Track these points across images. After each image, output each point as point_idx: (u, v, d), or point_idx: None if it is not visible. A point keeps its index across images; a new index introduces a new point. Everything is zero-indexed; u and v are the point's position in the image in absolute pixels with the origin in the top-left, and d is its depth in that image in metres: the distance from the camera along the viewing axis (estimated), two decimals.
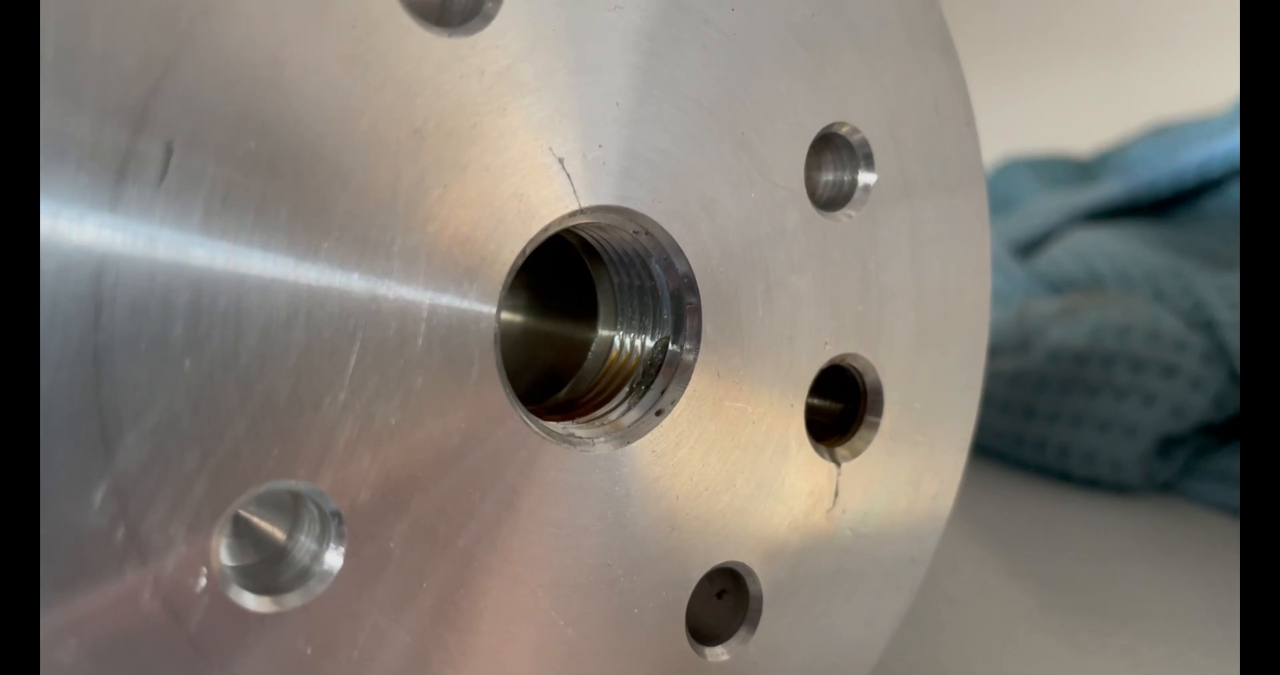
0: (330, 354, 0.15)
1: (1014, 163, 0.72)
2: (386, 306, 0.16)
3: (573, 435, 0.19)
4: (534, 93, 0.17)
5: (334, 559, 0.16)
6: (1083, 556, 0.40)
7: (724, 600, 0.21)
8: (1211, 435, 0.45)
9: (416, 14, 0.15)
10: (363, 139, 0.15)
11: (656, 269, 0.20)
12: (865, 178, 0.21)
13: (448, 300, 0.16)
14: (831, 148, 0.21)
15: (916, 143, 0.22)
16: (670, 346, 0.20)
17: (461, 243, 0.16)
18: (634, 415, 0.19)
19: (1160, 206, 0.56)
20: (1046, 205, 0.60)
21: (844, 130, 0.21)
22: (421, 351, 0.16)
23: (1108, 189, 0.58)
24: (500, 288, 0.17)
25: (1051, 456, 0.46)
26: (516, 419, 0.17)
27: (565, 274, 0.23)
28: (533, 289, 0.25)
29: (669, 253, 0.19)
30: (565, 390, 0.22)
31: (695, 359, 0.19)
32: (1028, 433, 0.46)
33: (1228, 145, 0.53)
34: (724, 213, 0.19)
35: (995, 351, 0.51)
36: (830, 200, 0.21)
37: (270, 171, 0.14)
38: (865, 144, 0.21)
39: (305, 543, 0.16)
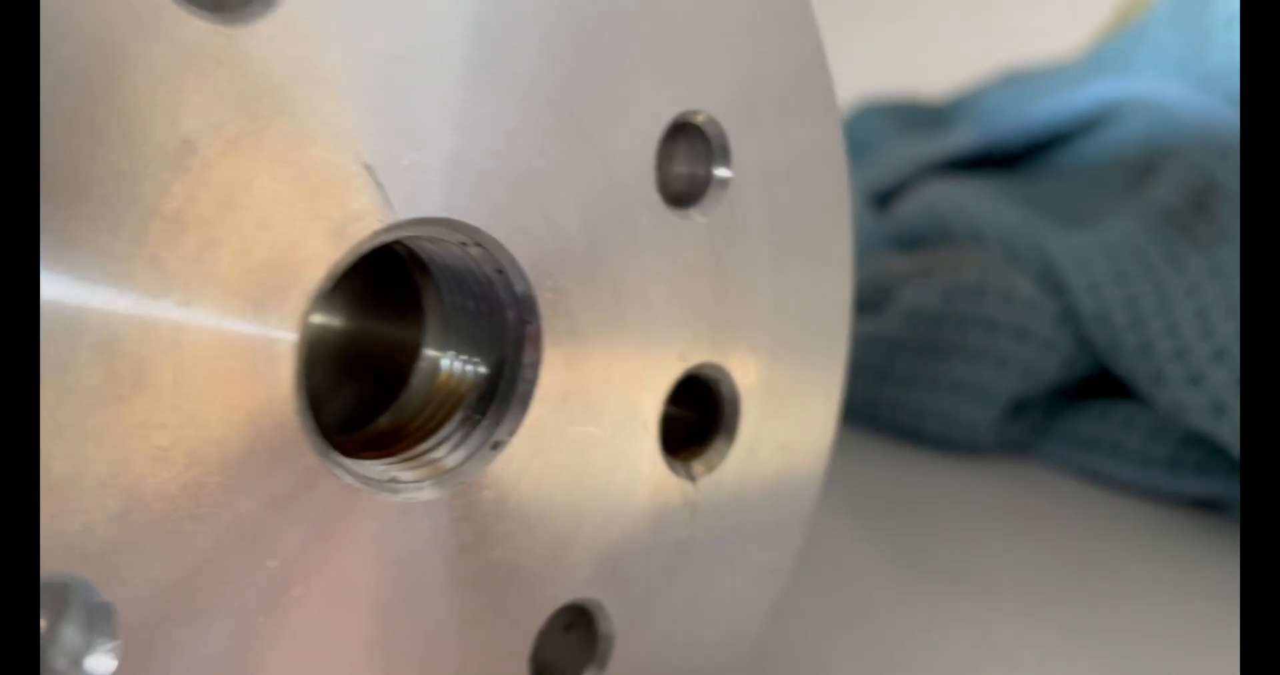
0: (83, 409, 0.13)
1: (871, 107, 0.71)
2: (154, 350, 0.13)
3: (394, 479, 0.16)
4: (334, 90, 0.14)
5: (101, 662, 0.13)
6: (938, 519, 0.40)
7: (572, 633, 0.20)
8: (1061, 396, 0.46)
9: None
10: (116, 154, 0.12)
11: (489, 285, 0.17)
12: (721, 172, 0.19)
13: (233, 336, 0.14)
14: (686, 138, 0.19)
15: (777, 130, 0.20)
16: (506, 371, 0.18)
17: (249, 272, 0.14)
18: (466, 450, 0.17)
19: (1013, 158, 0.56)
20: (901, 153, 0.59)
21: (699, 119, 0.19)
22: (200, 401, 0.14)
23: (959, 139, 0.57)
24: (299, 322, 0.14)
25: (906, 419, 0.45)
26: (324, 472, 0.15)
27: (395, 281, 0.20)
28: (364, 293, 0.22)
29: (504, 267, 0.17)
30: (387, 417, 0.19)
31: (535, 384, 0.17)
32: (883, 396, 0.46)
33: (1076, 98, 0.53)
34: (566, 219, 0.17)
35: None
36: (684, 194, 0.19)
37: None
38: (721, 135, 0.19)
39: (70, 636, 0.14)
